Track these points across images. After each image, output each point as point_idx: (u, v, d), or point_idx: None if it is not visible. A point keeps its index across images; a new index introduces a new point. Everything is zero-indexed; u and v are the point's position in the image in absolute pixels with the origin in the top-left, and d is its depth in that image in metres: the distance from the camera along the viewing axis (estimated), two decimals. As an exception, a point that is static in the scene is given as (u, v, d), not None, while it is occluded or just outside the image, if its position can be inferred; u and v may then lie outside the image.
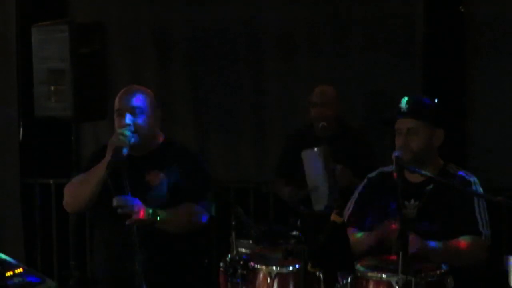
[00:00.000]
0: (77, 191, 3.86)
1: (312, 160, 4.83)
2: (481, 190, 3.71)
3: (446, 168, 3.78)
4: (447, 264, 3.32)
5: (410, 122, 3.70)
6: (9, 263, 3.68)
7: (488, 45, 5.45)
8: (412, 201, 3.70)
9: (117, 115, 3.84)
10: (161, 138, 3.95)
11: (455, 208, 3.63)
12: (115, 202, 3.58)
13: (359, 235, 3.72)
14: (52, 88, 5.29)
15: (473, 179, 3.73)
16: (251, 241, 3.89)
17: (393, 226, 3.51)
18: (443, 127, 3.78)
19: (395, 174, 3.44)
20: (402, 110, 3.72)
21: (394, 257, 3.28)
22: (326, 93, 5.19)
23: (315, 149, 4.81)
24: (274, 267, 3.41)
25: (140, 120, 3.80)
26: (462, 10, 5.45)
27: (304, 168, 4.87)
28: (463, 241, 3.58)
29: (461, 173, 3.76)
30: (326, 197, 4.69)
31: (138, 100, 3.84)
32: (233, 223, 3.66)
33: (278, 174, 5.47)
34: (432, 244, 3.50)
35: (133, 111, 3.80)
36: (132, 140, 3.72)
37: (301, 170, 4.91)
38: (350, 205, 3.92)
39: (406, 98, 3.74)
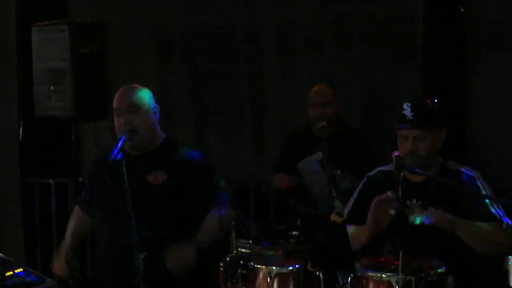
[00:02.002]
0: None
1: (310, 168, 4.83)
2: (485, 184, 3.69)
3: (446, 165, 3.77)
4: (446, 264, 3.32)
5: (416, 131, 3.69)
6: (9, 263, 3.69)
7: (488, 45, 5.45)
8: (414, 200, 3.69)
9: (116, 114, 3.83)
10: (162, 138, 3.93)
11: (465, 206, 3.60)
12: None
13: (353, 229, 3.69)
14: (52, 88, 5.28)
15: (476, 174, 3.71)
16: (251, 241, 3.89)
17: (381, 199, 3.51)
18: (445, 127, 3.78)
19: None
20: (407, 118, 3.67)
21: (394, 257, 3.28)
22: (324, 92, 5.17)
23: (312, 157, 4.81)
24: (274, 267, 3.40)
25: (139, 119, 3.78)
26: (462, 10, 5.45)
27: (304, 178, 4.86)
28: (485, 224, 3.55)
29: (463, 169, 3.75)
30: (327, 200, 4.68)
31: (136, 99, 3.82)
32: (233, 223, 3.66)
33: (275, 173, 5.45)
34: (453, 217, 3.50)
35: (132, 110, 3.78)
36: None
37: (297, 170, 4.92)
38: (350, 203, 3.91)
39: (409, 105, 3.68)
